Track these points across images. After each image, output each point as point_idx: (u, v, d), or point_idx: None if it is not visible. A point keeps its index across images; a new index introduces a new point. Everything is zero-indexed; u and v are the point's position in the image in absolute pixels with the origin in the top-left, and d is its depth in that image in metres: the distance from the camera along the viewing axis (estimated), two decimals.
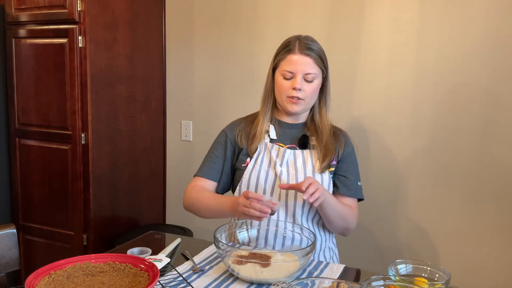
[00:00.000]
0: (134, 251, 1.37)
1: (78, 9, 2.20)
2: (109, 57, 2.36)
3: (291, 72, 1.53)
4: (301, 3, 2.29)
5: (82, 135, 2.29)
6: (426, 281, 1.21)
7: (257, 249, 1.48)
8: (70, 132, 2.30)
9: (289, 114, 1.62)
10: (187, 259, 1.43)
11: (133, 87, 2.52)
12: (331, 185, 1.61)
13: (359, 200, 1.65)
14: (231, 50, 2.50)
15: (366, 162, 2.19)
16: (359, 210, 1.68)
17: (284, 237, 1.52)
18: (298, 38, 1.55)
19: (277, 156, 1.58)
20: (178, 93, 2.70)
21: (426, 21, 2.06)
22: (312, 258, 1.43)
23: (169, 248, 1.46)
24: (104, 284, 1.05)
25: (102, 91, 2.34)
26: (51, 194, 2.41)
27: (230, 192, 1.72)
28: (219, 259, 1.41)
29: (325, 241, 1.64)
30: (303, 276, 1.33)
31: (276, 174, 1.56)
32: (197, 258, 1.43)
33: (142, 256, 1.33)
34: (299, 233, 1.47)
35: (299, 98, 1.54)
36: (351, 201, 1.63)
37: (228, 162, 1.64)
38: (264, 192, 1.57)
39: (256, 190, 1.57)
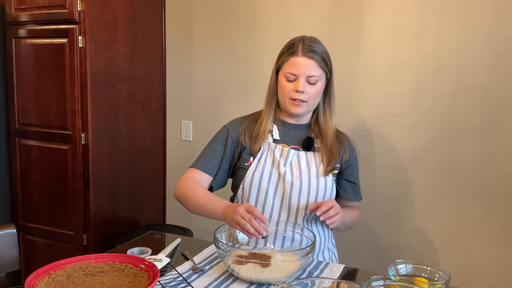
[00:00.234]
0: (134, 251, 1.38)
1: (78, 9, 2.20)
2: (109, 57, 2.36)
3: (294, 75, 1.52)
4: (301, 2, 2.29)
5: (82, 135, 2.29)
6: (426, 281, 1.21)
7: (257, 249, 1.48)
8: (70, 132, 2.30)
9: (291, 115, 1.62)
10: (187, 259, 1.43)
11: (133, 87, 2.52)
12: (334, 188, 1.62)
13: None
14: (231, 50, 2.50)
15: (367, 163, 2.19)
16: (360, 210, 1.78)
17: (284, 237, 1.52)
18: (302, 39, 1.54)
19: (280, 156, 1.58)
20: (178, 93, 2.70)
21: (426, 21, 2.06)
22: (311, 258, 1.43)
23: (169, 248, 1.46)
24: (104, 284, 1.05)
25: (102, 91, 2.34)
26: (51, 194, 2.41)
27: (223, 191, 1.71)
28: (219, 259, 1.41)
29: (325, 241, 1.65)
30: (303, 276, 1.33)
31: (279, 174, 1.56)
32: (197, 258, 1.43)
33: (142, 256, 1.33)
34: (299, 233, 1.48)
35: (302, 101, 1.54)
36: (356, 203, 1.73)
37: (227, 159, 1.63)
38: (267, 192, 1.57)
39: (259, 190, 1.57)
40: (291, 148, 1.60)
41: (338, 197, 1.67)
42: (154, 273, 1.06)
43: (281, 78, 1.56)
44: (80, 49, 2.24)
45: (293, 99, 1.54)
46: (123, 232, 2.50)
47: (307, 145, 1.59)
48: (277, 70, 1.59)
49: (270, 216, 1.57)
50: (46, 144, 2.39)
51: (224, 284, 1.27)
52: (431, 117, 2.10)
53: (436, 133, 2.10)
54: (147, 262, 1.11)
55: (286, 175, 1.55)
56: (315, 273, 1.36)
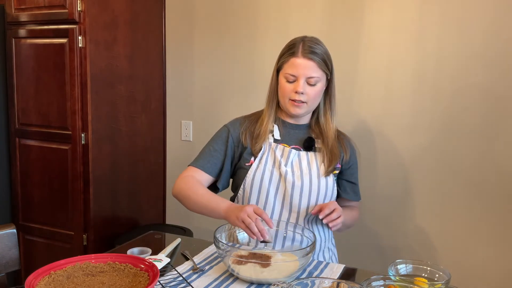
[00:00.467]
0: (134, 251, 1.38)
1: (78, 9, 2.20)
2: (109, 57, 2.36)
3: (293, 76, 1.52)
4: (301, 3, 2.29)
5: (82, 135, 2.29)
6: (426, 281, 1.21)
7: (257, 249, 1.48)
8: (70, 132, 2.30)
9: (291, 116, 1.62)
10: (187, 259, 1.43)
11: (133, 87, 2.52)
12: (335, 188, 1.62)
13: None
14: (231, 50, 2.50)
15: (367, 163, 2.19)
16: (360, 210, 1.80)
17: (284, 237, 1.52)
18: (303, 40, 1.54)
19: (281, 156, 1.58)
20: (178, 93, 2.70)
21: (426, 21, 2.06)
22: (311, 258, 1.43)
23: (169, 248, 1.46)
24: (104, 284, 1.05)
25: (102, 91, 2.34)
26: (51, 194, 2.41)
27: (223, 191, 1.71)
28: (219, 259, 1.41)
29: (325, 241, 1.65)
30: (303, 276, 1.33)
31: (280, 174, 1.56)
32: (197, 258, 1.43)
33: (142, 256, 1.33)
34: (299, 233, 1.48)
35: (301, 101, 1.54)
36: (356, 203, 1.74)
37: (229, 159, 1.62)
38: (268, 192, 1.57)
39: (260, 190, 1.57)
40: (292, 148, 1.60)
41: (338, 197, 1.67)
42: (154, 273, 1.06)
43: (281, 79, 1.56)
44: (80, 49, 2.24)
45: (292, 100, 1.54)
46: (123, 232, 2.50)
47: (308, 145, 1.59)
48: (278, 70, 1.59)
49: (271, 216, 1.57)
50: (46, 144, 2.39)
51: (224, 284, 1.27)
52: (431, 117, 2.10)
53: (436, 133, 2.10)
54: (147, 262, 1.11)
55: (287, 175, 1.55)
56: (315, 273, 1.36)
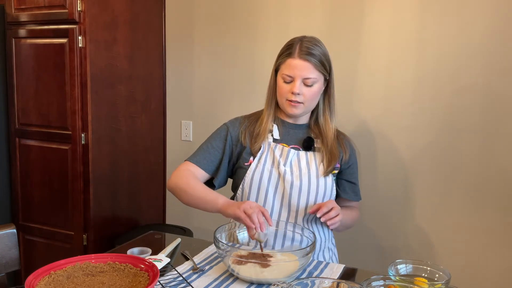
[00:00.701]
0: (134, 251, 1.38)
1: (78, 9, 2.20)
2: (109, 57, 2.36)
3: (290, 76, 1.52)
4: (301, 3, 2.29)
5: (82, 135, 2.29)
6: (426, 281, 1.21)
7: (257, 249, 1.48)
8: (70, 132, 2.30)
9: (289, 116, 1.62)
10: (187, 259, 1.43)
11: (133, 87, 2.52)
12: (334, 188, 1.62)
13: None
14: (231, 50, 2.50)
15: (367, 163, 2.19)
16: (360, 210, 1.79)
17: (284, 237, 1.52)
18: (301, 40, 1.53)
19: (280, 155, 1.58)
20: (178, 93, 2.70)
21: (426, 21, 2.06)
22: (311, 258, 1.43)
23: (169, 248, 1.46)
24: (104, 284, 1.05)
25: (102, 91, 2.34)
26: (51, 194, 2.41)
27: (223, 191, 1.70)
28: (219, 259, 1.41)
29: (325, 241, 1.65)
30: (303, 276, 1.33)
31: (279, 174, 1.56)
32: (197, 258, 1.43)
33: (142, 256, 1.33)
34: (299, 233, 1.48)
35: (298, 102, 1.54)
36: (355, 203, 1.74)
37: (227, 157, 1.62)
38: (267, 192, 1.57)
39: (259, 189, 1.57)
40: (291, 148, 1.60)
41: (337, 197, 1.67)
42: (154, 273, 1.06)
43: (279, 79, 1.56)
44: (80, 49, 2.24)
45: (289, 100, 1.54)
46: (123, 232, 2.50)
47: (307, 145, 1.59)
48: (276, 70, 1.59)
49: (271, 216, 1.57)
50: (46, 144, 2.39)
51: (224, 284, 1.27)
52: (431, 117, 2.10)
53: (436, 133, 2.10)
54: (147, 262, 1.11)
55: (286, 174, 1.55)
56: (315, 273, 1.36)
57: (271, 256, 1.31)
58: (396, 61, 2.14)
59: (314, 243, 1.29)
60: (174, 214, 2.80)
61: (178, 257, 1.45)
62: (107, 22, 2.33)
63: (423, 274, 1.27)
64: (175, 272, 1.31)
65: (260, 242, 1.40)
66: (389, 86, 2.16)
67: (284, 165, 1.57)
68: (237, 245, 1.51)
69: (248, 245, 1.51)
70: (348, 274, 1.38)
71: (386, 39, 2.14)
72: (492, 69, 1.97)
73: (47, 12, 2.27)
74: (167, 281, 1.26)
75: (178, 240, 1.56)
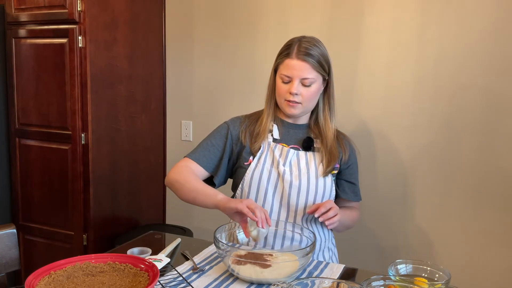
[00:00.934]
0: (134, 251, 1.38)
1: (78, 9, 2.20)
2: (109, 57, 2.36)
3: (288, 77, 1.53)
4: (301, 3, 2.29)
5: (82, 135, 2.29)
6: (426, 281, 1.21)
7: (257, 249, 1.48)
8: (70, 132, 2.30)
9: (288, 116, 1.62)
10: (187, 259, 1.43)
11: (133, 87, 2.52)
12: (334, 188, 1.62)
13: None
14: (231, 50, 2.50)
15: (367, 163, 2.19)
16: (360, 210, 1.79)
17: (284, 237, 1.52)
18: (300, 40, 1.53)
19: (280, 155, 1.58)
20: (178, 93, 2.70)
21: (426, 21, 2.06)
22: (311, 258, 1.43)
23: (169, 248, 1.46)
24: (104, 284, 1.05)
25: (102, 91, 2.34)
26: (51, 194, 2.41)
27: (223, 191, 1.70)
28: (219, 259, 1.41)
29: (325, 241, 1.65)
30: (303, 276, 1.33)
31: (279, 174, 1.56)
32: (197, 258, 1.43)
33: (142, 256, 1.33)
34: (299, 233, 1.48)
35: (296, 102, 1.54)
36: (355, 204, 1.73)
37: (227, 155, 1.62)
38: (266, 191, 1.57)
39: (258, 189, 1.57)
40: (291, 147, 1.60)
41: (337, 197, 1.67)
42: (154, 273, 1.06)
43: (278, 79, 1.57)
44: (80, 49, 2.24)
45: (288, 100, 1.54)
46: (123, 232, 2.50)
47: (307, 145, 1.59)
48: (275, 70, 1.59)
49: (270, 216, 1.57)
50: (46, 144, 2.39)
51: (224, 284, 1.27)
52: (431, 117, 2.10)
53: (436, 133, 2.10)
54: (147, 262, 1.11)
55: (285, 174, 1.55)
56: (315, 273, 1.36)
57: (271, 255, 1.31)
58: (396, 61, 2.14)
59: (314, 243, 1.29)
60: (174, 214, 2.80)
61: (178, 257, 1.45)
62: (107, 22, 2.33)
63: (423, 274, 1.27)
64: (175, 272, 1.31)
65: (255, 241, 1.40)
66: (389, 86, 2.16)
67: (284, 165, 1.57)
68: (237, 245, 1.51)
69: (248, 245, 1.51)
70: (348, 274, 1.38)
71: (386, 39, 2.14)
72: (491, 69, 1.97)
73: (47, 12, 2.27)
74: (167, 281, 1.26)
75: (178, 240, 1.56)
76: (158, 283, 1.22)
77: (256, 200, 1.58)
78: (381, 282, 1.17)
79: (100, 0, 2.28)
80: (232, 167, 1.66)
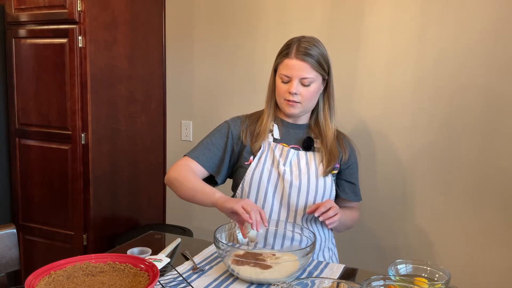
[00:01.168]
0: (134, 251, 1.38)
1: (78, 9, 2.20)
2: (109, 57, 2.36)
3: (287, 76, 1.53)
4: (301, 3, 2.29)
5: (82, 135, 2.29)
6: (426, 281, 1.21)
7: (257, 249, 1.48)
8: (70, 132, 2.30)
9: (288, 115, 1.62)
10: (187, 259, 1.43)
11: (133, 87, 2.52)
12: (334, 188, 1.62)
13: None
14: (231, 50, 2.50)
15: (367, 163, 2.19)
16: (360, 210, 1.79)
17: (284, 237, 1.52)
18: (299, 40, 1.53)
19: (280, 155, 1.58)
20: (178, 93, 2.70)
21: (426, 21, 2.06)
22: (311, 258, 1.43)
23: (169, 248, 1.46)
24: (104, 284, 1.05)
25: (102, 91, 2.34)
26: (51, 194, 2.41)
27: (224, 191, 1.70)
28: (219, 259, 1.41)
29: (325, 241, 1.65)
30: (303, 276, 1.33)
31: (279, 174, 1.56)
32: (197, 258, 1.43)
33: (142, 256, 1.33)
34: (299, 233, 1.48)
35: (295, 102, 1.54)
36: (355, 204, 1.73)
37: (228, 154, 1.62)
38: (267, 191, 1.57)
39: (258, 189, 1.57)
40: (291, 147, 1.60)
41: (337, 197, 1.67)
42: (154, 273, 1.06)
43: (277, 79, 1.57)
44: (80, 49, 2.24)
45: (287, 100, 1.55)
46: (123, 232, 2.50)
47: (307, 145, 1.59)
48: (275, 70, 1.60)
49: (270, 216, 1.57)
50: (46, 144, 2.39)
51: (224, 284, 1.27)
52: (431, 117, 2.10)
53: (436, 133, 2.10)
54: (147, 262, 1.11)
55: (285, 174, 1.56)
56: (315, 273, 1.36)
57: (274, 255, 1.31)
58: (396, 61, 2.14)
59: (314, 243, 1.29)
60: (174, 214, 2.80)
61: (178, 257, 1.45)
62: (107, 22, 2.33)
63: (423, 274, 1.27)
64: (175, 272, 1.31)
65: (253, 242, 1.40)
66: (389, 86, 2.16)
67: (284, 164, 1.57)
68: (237, 245, 1.51)
69: (248, 245, 1.51)
70: (348, 274, 1.38)
71: (386, 39, 2.14)
72: (491, 69, 1.97)
73: (47, 12, 2.27)
74: (167, 281, 1.26)
75: (178, 240, 1.56)
76: (158, 283, 1.22)
77: (256, 200, 1.58)
78: (381, 282, 1.17)
79: (100, 0, 2.28)
80: (232, 166, 1.66)
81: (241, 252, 1.29)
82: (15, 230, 1.44)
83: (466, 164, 2.05)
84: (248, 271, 1.25)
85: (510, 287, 2.02)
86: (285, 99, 1.55)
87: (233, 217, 1.41)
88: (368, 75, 2.20)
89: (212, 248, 1.51)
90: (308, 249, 1.26)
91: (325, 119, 1.62)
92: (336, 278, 1.33)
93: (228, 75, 2.53)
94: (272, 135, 1.61)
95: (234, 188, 1.66)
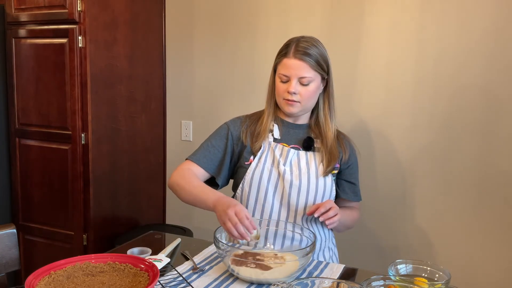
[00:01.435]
0: (134, 251, 1.38)
1: (78, 9, 2.20)
2: (109, 57, 2.36)
3: (286, 76, 1.54)
4: (301, 3, 2.29)
5: (82, 135, 2.29)
6: (426, 281, 1.21)
7: (257, 249, 1.48)
8: (70, 132, 2.30)
9: (288, 115, 1.62)
10: (187, 259, 1.43)
11: (133, 87, 2.52)
12: (334, 188, 1.62)
13: None
14: (231, 50, 2.50)
15: (367, 163, 2.19)
16: (360, 210, 1.79)
17: (284, 237, 1.52)
18: (298, 40, 1.54)
19: (280, 155, 1.58)
20: (178, 93, 2.70)
21: (426, 21, 2.06)
22: (312, 258, 1.43)
23: (169, 248, 1.46)
24: (104, 284, 1.05)
25: (102, 91, 2.34)
26: (51, 194, 2.41)
27: (224, 190, 1.70)
28: (219, 259, 1.41)
29: (325, 241, 1.65)
30: (303, 276, 1.33)
31: (279, 173, 1.56)
32: (197, 258, 1.43)
33: (142, 256, 1.33)
34: (299, 233, 1.48)
35: (294, 101, 1.54)
36: (356, 204, 1.73)
37: (228, 155, 1.63)
38: (267, 191, 1.57)
39: (258, 189, 1.57)
40: (291, 147, 1.60)
41: (337, 197, 1.67)
42: (154, 273, 1.06)
43: (277, 79, 1.58)
44: (80, 49, 2.24)
45: (286, 100, 1.55)
46: (123, 232, 2.50)
47: (307, 145, 1.60)
48: (275, 70, 1.60)
49: (270, 215, 1.57)
50: (46, 144, 2.39)
51: (224, 284, 1.27)
52: (431, 117, 2.10)
53: (436, 133, 2.10)
54: (147, 262, 1.11)
55: (286, 174, 1.56)
56: (315, 273, 1.36)
57: (276, 255, 1.31)
58: (396, 61, 2.14)
59: (314, 243, 1.29)
60: (174, 214, 2.80)
61: (178, 257, 1.45)
62: (107, 22, 2.33)
63: (423, 274, 1.27)
64: (175, 272, 1.31)
65: (249, 242, 1.41)
66: (389, 86, 2.16)
67: (284, 164, 1.57)
68: (237, 245, 1.51)
69: (248, 245, 1.51)
70: (348, 274, 1.38)
71: (386, 39, 2.14)
72: (491, 69, 1.97)
73: (47, 12, 2.27)
74: (167, 281, 1.26)
75: (178, 240, 1.56)
76: (158, 283, 1.22)
77: (256, 200, 1.58)
78: (381, 282, 1.17)
79: (100, 0, 2.28)
80: (233, 167, 1.66)
81: (241, 252, 1.29)
82: (15, 230, 1.44)
83: (466, 164, 2.05)
84: (248, 271, 1.25)
85: (510, 287, 2.02)
86: (284, 99, 1.56)
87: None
88: (368, 75, 2.20)
89: (212, 248, 1.51)
90: (308, 249, 1.26)
91: (325, 119, 1.62)
92: (336, 278, 1.33)
93: (228, 75, 2.53)
94: (272, 135, 1.61)
95: (235, 188, 1.66)
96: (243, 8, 2.44)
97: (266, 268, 1.24)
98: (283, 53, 1.55)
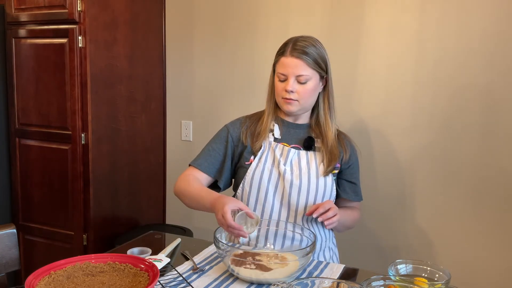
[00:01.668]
0: (134, 251, 1.38)
1: (78, 9, 2.20)
2: (109, 57, 2.36)
3: (283, 75, 1.54)
4: (301, 3, 2.29)
5: (82, 135, 2.29)
6: (426, 281, 1.21)
7: (257, 249, 1.48)
8: (70, 132, 2.30)
9: (288, 114, 1.62)
10: (187, 259, 1.43)
11: (133, 87, 2.52)
12: (334, 188, 1.62)
13: None
14: (231, 50, 2.50)
15: (367, 162, 2.19)
16: (360, 210, 1.79)
17: (284, 237, 1.52)
18: (296, 39, 1.55)
19: (281, 155, 1.58)
20: (178, 93, 2.70)
21: (426, 21, 2.06)
22: (312, 258, 1.43)
23: (169, 248, 1.46)
24: (104, 284, 1.05)
25: (102, 91, 2.34)
26: (51, 194, 2.41)
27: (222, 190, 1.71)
28: (219, 259, 1.41)
29: (325, 241, 1.65)
30: (303, 276, 1.33)
31: (280, 173, 1.56)
32: (197, 258, 1.43)
33: (142, 256, 1.33)
34: (299, 233, 1.48)
35: (292, 99, 1.54)
36: (356, 204, 1.73)
37: (229, 158, 1.64)
38: (267, 191, 1.57)
39: (259, 188, 1.57)
40: (292, 147, 1.60)
41: (338, 197, 1.67)
42: (154, 273, 1.06)
43: (275, 78, 1.58)
44: (80, 49, 2.24)
45: (284, 98, 1.55)
46: (123, 232, 2.50)
47: (308, 145, 1.60)
48: (274, 70, 1.60)
49: (270, 215, 1.57)
50: (46, 144, 2.39)
51: (224, 284, 1.27)
52: (431, 117, 2.10)
53: (436, 133, 2.10)
54: (147, 262, 1.11)
55: (286, 174, 1.56)
56: (315, 273, 1.36)
57: (276, 255, 1.31)
58: (396, 61, 2.14)
59: (314, 243, 1.30)
60: (174, 214, 2.80)
61: (178, 257, 1.45)
62: (107, 22, 2.33)
63: (423, 274, 1.27)
64: (175, 272, 1.31)
65: (250, 235, 1.42)
66: (389, 86, 2.16)
67: (284, 164, 1.57)
68: (237, 245, 1.51)
69: (248, 245, 1.51)
70: (348, 274, 1.38)
71: (386, 39, 2.14)
72: (491, 69, 1.97)
73: (47, 12, 2.27)
74: (167, 281, 1.26)
75: (178, 240, 1.56)
76: (158, 283, 1.22)
77: (256, 200, 1.58)
78: (381, 282, 1.17)
79: (100, 0, 2.28)
80: (234, 169, 1.66)
81: (240, 252, 1.29)
82: (15, 230, 1.44)
83: (466, 164, 2.05)
84: (248, 271, 1.25)
85: (510, 287, 2.02)
86: (282, 97, 1.56)
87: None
88: (368, 75, 2.20)
89: (212, 248, 1.51)
90: (308, 249, 1.26)
91: (326, 119, 1.62)
92: (336, 278, 1.33)
93: (228, 75, 2.53)
94: (273, 134, 1.61)
95: (235, 188, 1.66)
96: (243, 8, 2.44)
97: (266, 269, 1.24)
98: (281, 52, 1.56)
